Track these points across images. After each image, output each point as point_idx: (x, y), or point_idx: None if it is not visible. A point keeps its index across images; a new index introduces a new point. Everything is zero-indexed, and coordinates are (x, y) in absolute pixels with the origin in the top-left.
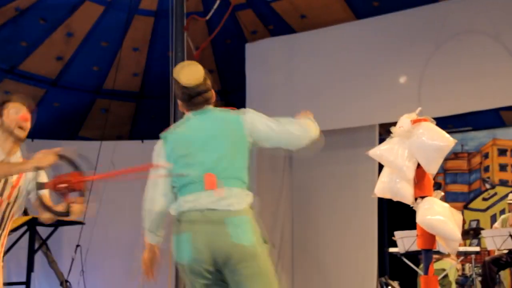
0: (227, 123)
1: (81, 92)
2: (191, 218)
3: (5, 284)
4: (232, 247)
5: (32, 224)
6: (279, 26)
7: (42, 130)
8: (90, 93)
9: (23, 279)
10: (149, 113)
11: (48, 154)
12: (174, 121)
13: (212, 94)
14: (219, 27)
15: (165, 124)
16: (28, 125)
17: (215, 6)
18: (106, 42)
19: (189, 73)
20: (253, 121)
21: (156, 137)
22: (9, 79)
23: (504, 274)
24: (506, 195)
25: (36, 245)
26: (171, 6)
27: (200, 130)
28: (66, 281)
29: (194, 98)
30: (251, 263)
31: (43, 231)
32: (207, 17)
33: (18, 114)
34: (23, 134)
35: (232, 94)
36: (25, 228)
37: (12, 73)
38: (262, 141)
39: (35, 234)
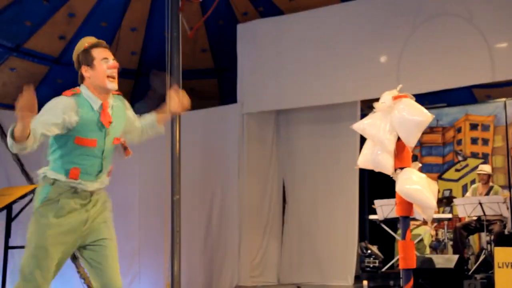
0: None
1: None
2: None
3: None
4: None
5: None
6: (268, 8)
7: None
8: None
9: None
10: (146, 89)
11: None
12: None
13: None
14: (212, 8)
15: (161, 99)
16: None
17: None
18: (105, 23)
19: None
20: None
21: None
22: (15, 57)
23: (473, 239)
24: (477, 167)
25: None
26: None
27: None
28: None
29: None
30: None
31: None
32: None
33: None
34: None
35: (224, 71)
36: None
37: (17, 51)
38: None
39: None
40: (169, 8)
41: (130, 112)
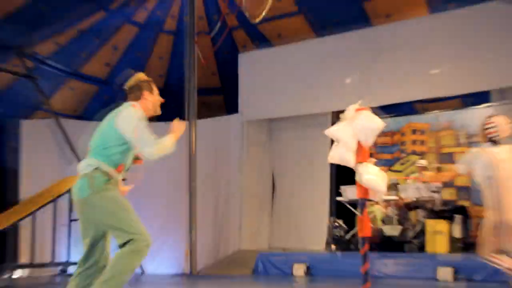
0: (112, 114)
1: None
2: None
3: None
4: (75, 199)
5: None
6: (262, 42)
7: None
8: None
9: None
10: (169, 104)
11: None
12: (188, 109)
13: (137, 93)
14: (219, 42)
15: (182, 111)
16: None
17: (217, 27)
18: (140, 53)
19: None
20: (123, 118)
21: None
22: (73, 79)
23: (412, 214)
24: (415, 162)
25: None
26: (185, 27)
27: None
28: None
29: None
30: (89, 211)
31: None
32: (212, 35)
33: (159, 96)
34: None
35: (229, 89)
36: None
37: (75, 75)
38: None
39: None
40: (187, 42)
41: None
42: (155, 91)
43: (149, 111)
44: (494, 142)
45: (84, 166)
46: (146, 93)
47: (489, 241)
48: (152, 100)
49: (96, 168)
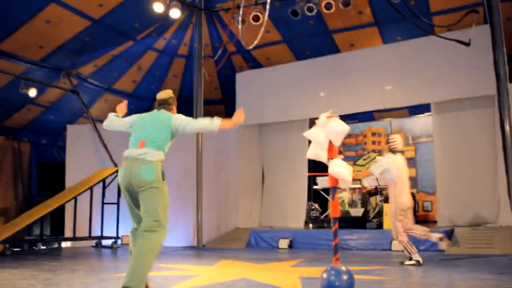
0: (162, 117)
1: (145, 100)
2: (126, 159)
3: (106, 203)
4: (138, 179)
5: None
6: (254, 64)
7: None
8: (149, 101)
9: (115, 201)
10: (182, 111)
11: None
12: (196, 116)
13: (170, 106)
14: (221, 63)
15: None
16: None
17: (219, 52)
18: (159, 73)
19: (161, 93)
20: (176, 118)
21: None
22: (108, 93)
23: (372, 199)
24: (374, 158)
25: None
26: (195, 52)
27: (152, 117)
28: None
29: (158, 103)
30: (147, 190)
31: None
32: (215, 58)
33: None
34: None
35: (228, 101)
36: (116, 174)
37: (109, 90)
38: (182, 128)
39: None
40: (196, 63)
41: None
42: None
43: None
44: (393, 152)
45: (150, 154)
46: (175, 107)
47: (399, 220)
48: (174, 112)
49: (161, 160)
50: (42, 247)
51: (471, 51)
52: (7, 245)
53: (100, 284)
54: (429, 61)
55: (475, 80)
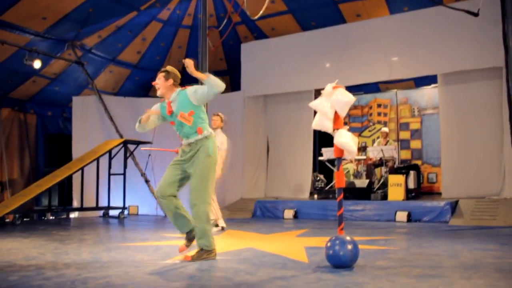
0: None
1: (150, 71)
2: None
3: (113, 174)
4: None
5: (125, 143)
6: (259, 34)
7: (131, 92)
8: (154, 71)
9: (122, 172)
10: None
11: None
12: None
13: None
14: (226, 34)
15: None
16: (157, 87)
17: (224, 22)
18: (163, 43)
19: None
20: (195, 90)
21: None
22: (112, 65)
23: (377, 170)
24: (380, 129)
25: (128, 154)
26: (199, 23)
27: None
28: (144, 173)
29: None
30: (197, 165)
31: (131, 147)
32: (220, 28)
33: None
34: (159, 93)
35: (233, 72)
36: (121, 145)
37: (113, 61)
38: (201, 97)
39: (127, 149)
40: (200, 34)
41: (191, 91)
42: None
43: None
44: (214, 128)
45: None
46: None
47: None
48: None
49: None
50: (51, 217)
51: (480, 22)
52: (17, 215)
53: (108, 253)
54: (437, 32)
55: (483, 52)
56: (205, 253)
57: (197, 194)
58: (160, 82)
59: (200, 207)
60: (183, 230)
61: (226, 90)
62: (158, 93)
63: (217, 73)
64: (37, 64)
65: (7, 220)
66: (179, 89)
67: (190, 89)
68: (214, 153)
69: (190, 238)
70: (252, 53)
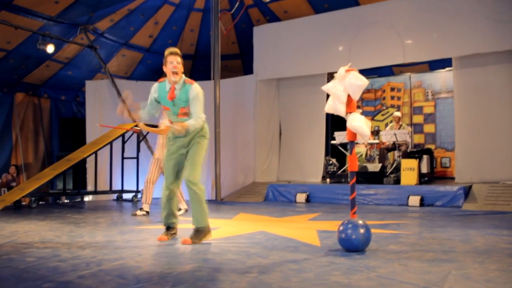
0: None
1: (162, 55)
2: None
3: (126, 157)
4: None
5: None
6: (272, 17)
7: (143, 76)
8: None
9: (135, 155)
10: (199, 67)
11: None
12: (213, 70)
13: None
14: (238, 17)
15: (208, 72)
16: (178, 70)
17: (236, 5)
18: (176, 27)
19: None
20: (192, 98)
21: (203, 80)
22: (124, 48)
23: (390, 154)
24: (392, 113)
25: (141, 138)
26: (211, 6)
27: None
28: (152, 152)
29: None
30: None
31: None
32: (232, 12)
33: (172, 64)
34: (176, 78)
35: (245, 55)
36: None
37: (126, 45)
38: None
39: (140, 133)
40: (212, 17)
41: (192, 94)
42: (168, 62)
43: (170, 80)
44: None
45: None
46: (163, 67)
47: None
48: (166, 70)
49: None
50: (66, 201)
51: (497, 4)
52: (33, 198)
53: (122, 236)
54: (452, 14)
55: (500, 34)
56: (202, 233)
57: (193, 174)
58: (179, 67)
59: (198, 186)
60: (166, 223)
61: (239, 74)
62: (175, 78)
63: (229, 57)
64: (50, 48)
65: (24, 203)
66: (184, 77)
67: (192, 92)
68: (207, 135)
69: (171, 233)
70: (264, 36)
